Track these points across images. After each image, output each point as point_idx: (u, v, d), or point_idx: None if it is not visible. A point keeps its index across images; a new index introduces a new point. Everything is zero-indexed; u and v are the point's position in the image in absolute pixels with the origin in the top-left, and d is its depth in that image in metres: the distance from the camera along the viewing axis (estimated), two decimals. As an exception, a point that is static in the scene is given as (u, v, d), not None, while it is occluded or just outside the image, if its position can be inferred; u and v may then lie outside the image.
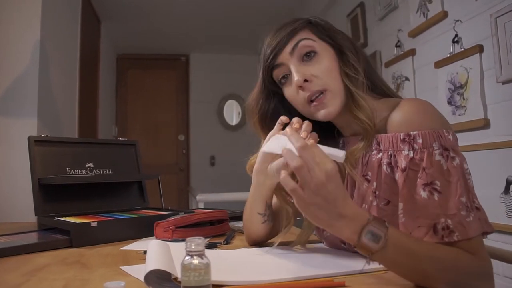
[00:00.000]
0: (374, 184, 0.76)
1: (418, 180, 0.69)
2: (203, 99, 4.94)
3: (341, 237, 0.64)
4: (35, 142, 1.35)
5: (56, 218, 1.18)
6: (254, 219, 0.95)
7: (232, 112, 5.05)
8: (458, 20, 1.86)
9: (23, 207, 1.66)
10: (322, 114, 0.81)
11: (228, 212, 1.27)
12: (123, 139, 1.62)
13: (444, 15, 1.97)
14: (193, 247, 0.57)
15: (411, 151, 0.71)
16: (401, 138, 0.72)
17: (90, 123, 3.51)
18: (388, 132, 0.76)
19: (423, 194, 0.68)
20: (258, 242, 0.99)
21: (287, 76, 0.84)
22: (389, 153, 0.74)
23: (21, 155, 1.36)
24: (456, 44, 1.88)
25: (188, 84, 5.01)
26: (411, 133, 0.71)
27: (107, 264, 0.85)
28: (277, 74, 0.86)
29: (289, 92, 0.85)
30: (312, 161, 0.60)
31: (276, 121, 0.87)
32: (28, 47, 2.16)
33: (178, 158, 4.89)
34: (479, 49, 1.74)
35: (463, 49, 1.84)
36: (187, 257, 0.57)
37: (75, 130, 2.95)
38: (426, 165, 0.69)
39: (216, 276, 0.66)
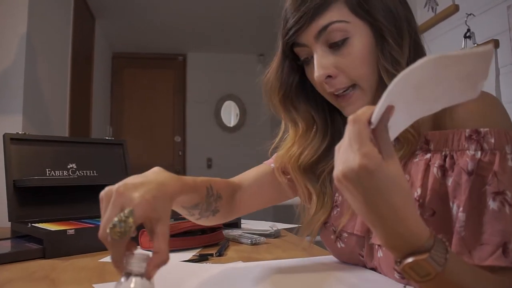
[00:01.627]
0: (418, 190, 0.62)
1: (487, 187, 0.55)
2: (200, 99, 4.83)
3: (382, 245, 0.50)
4: (11, 140, 1.23)
5: (30, 224, 1.06)
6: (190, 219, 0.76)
7: (230, 113, 4.93)
8: (470, 14, 1.75)
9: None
10: (348, 111, 0.68)
11: (223, 218, 1.16)
12: (109, 138, 1.50)
13: (455, 9, 1.86)
14: (133, 264, 0.44)
15: (479, 152, 0.57)
16: (467, 135, 0.58)
17: (82, 123, 3.39)
18: (447, 127, 0.62)
19: (493, 204, 0.55)
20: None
21: (310, 58, 0.70)
22: (443, 154, 0.61)
23: (3, 155, 1.26)
24: (468, 39, 1.77)
25: (185, 84, 4.90)
26: (482, 130, 0.58)
27: (79, 280, 0.74)
28: (298, 52, 0.71)
29: (310, 76, 0.71)
30: (356, 137, 0.46)
31: (301, 96, 0.76)
32: (13, 40, 2.05)
33: (174, 159, 4.77)
34: (494, 44, 1.62)
35: (476, 45, 1.72)
36: (122, 278, 0.45)
37: (66, 129, 2.83)
38: (498, 170, 0.55)
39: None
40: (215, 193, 0.74)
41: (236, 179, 0.85)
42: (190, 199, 0.68)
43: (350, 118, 0.47)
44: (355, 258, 0.75)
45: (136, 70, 4.79)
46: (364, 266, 0.74)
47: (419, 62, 0.44)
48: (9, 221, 1.14)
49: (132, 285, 0.44)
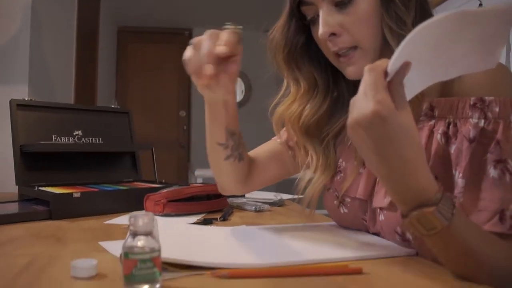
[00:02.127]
0: None
1: (489, 155, 0.55)
2: (206, 75, 4.79)
3: (390, 197, 0.51)
4: (17, 106, 1.23)
5: (37, 188, 1.08)
6: (214, 154, 0.78)
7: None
8: (483, -12, 1.71)
9: (5, 176, 1.55)
10: (349, 72, 0.68)
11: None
12: (115, 106, 1.50)
13: (468, -18, 1.82)
14: (139, 224, 0.45)
15: (482, 120, 0.57)
16: (471, 103, 0.58)
17: (88, 95, 3.39)
18: (455, 95, 0.61)
19: (493, 172, 0.55)
20: (232, 191, 0.86)
21: (316, 17, 0.69)
22: (447, 121, 0.61)
23: (8, 122, 1.27)
24: (480, 14, 1.73)
25: (190, 59, 4.86)
26: (486, 98, 0.57)
27: (85, 239, 0.75)
28: (305, 11, 0.71)
29: (316, 36, 0.71)
30: (369, 86, 0.47)
31: (305, 57, 0.76)
32: (18, 9, 2.03)
33: (178, 134, 4.77)
34: (507, 18, 1.59)
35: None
36: (129, 238, 0.46)
37: (72, 101, 2.83)
38: (501, 138, 0.55)
39: (209, 258, 0.56)
40: (242, 139, 0.79)
41: (251, 153, 0.87)
42: (233, 119, 0.74)
43: (366, 68, 0.48)
44: (359, 223, 0.76)
45: (141, 45, 4.75)
46: (367, 231, 0.75)
47: (438, 16, 0.43)
48: (16, 184, 1.16)
49: (139, 243, 0.45)
